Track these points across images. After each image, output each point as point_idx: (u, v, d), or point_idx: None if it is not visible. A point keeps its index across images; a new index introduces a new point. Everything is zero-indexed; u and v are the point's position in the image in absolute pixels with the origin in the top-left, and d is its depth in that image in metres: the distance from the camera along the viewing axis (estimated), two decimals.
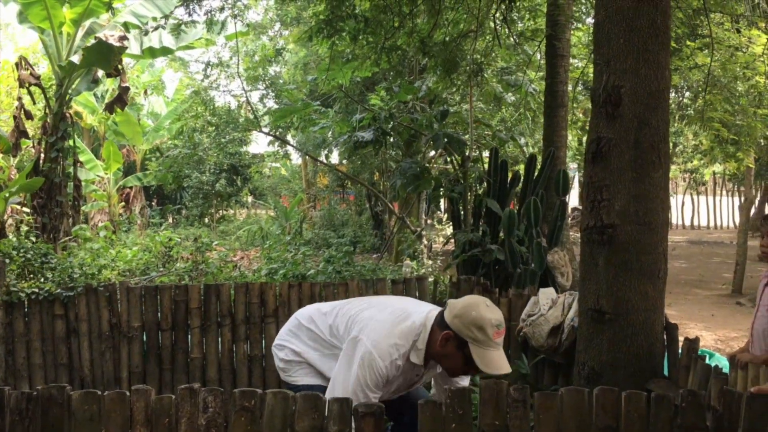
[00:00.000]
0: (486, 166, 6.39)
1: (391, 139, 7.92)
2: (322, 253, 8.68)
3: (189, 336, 4.50)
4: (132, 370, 4.53)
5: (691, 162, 21.38)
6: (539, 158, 6.60)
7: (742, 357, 2.89)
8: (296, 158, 20.60)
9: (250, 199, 21.04)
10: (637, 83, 2.98)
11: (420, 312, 2.52)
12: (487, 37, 7.71)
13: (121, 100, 10.72)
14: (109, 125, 16.00)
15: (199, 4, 7.01)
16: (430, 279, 5.05)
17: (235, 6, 8.24)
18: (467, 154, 6.65)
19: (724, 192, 24.36)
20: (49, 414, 2.08)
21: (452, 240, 6.77)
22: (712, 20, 6.47)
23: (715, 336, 7.10)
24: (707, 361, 3.93)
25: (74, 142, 10.35)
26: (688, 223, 22.68)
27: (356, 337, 2.43)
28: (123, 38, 9.07)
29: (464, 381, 2.74)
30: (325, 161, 15.39)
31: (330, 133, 12.06)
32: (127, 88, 10.85)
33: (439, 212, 16.79)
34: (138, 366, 4.52)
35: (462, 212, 6.49)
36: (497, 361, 2.36)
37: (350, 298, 3.26)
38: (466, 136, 7.59)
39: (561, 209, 5.77)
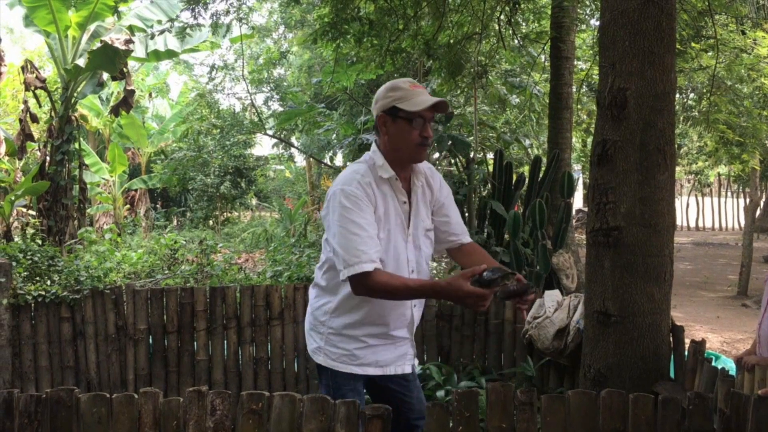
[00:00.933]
0: (490, 168, 6.39)
1: None
2: None
3: (195, 338, 4.51)
4: (138, 373, 4.54)
5: (696, 163, 21.35)
6: (544, 160, 6.60)
7: (748, 359, 2.89)
8: (300, 160, 20.65)
9: (254, 201, 21.08)
10: (643, 86, 2.98)
11: None
12: (492, 40, 7.72)
13: (126, 103, 10.77)
14: (114, 128, 16.07)
15: (205, 8, 7.03)
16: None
17: (240, 9, 8.26)
18: (472, 156, 6.65)
19: (729, 193, 24.31)
20: (57, 417, 2.09)
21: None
22: (717, 22, 6.46)
23: (720, 338, 7.08)
24: (713, 363, 3.92)
25: (79, 145, 10.40)
26: (693, 224, 22.64)
27: (326, 200, 2.40)
28: (128, 41, 9.11)
29: (464, 236, 2.60)
30: (329, 163, 15.42)
31: (334, 135, 12.08)
32: (133, 91, 10.90)
33: None
34: (144, 368, 4.54)
35: (467, 214, 6.50)
36: (427, 99, 2.31)
37: None
38: (471, 138, 7.60)
39: (566, 211, 5.77)
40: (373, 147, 2.44)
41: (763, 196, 18.89)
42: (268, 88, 17.21)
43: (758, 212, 16.67)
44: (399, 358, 2.50)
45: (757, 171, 11.04)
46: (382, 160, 2.38)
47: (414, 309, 2.50)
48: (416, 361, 2.62)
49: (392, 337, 2.46)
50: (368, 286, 2.21)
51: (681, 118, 10.54)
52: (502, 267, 2.02)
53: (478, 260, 2.46)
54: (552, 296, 4.10)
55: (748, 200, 11.78)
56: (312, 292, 2.57)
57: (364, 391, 2.57)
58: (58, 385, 4.54)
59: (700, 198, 23.44)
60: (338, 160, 16.68)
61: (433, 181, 2.56)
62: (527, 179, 6.12)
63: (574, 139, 11.99)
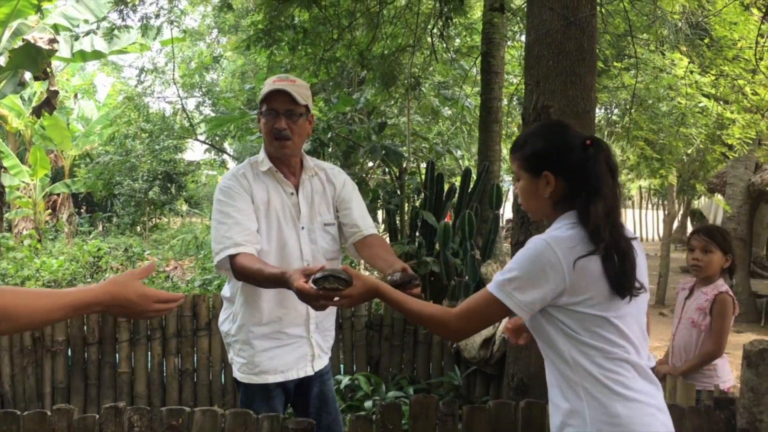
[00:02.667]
0: (423, 178, 6.47)
1: (329, 150, 7.93)
2: None
3: (117, 350, 4.37)
4: (56, 386, 4.36)
5: (619, 177, 22.14)
6: (474, 172, 6.73)
7: (660, 368, 3.02)
8: (233, 166, 20.35)
9: (184, 207, 20.61)
10: (565, 104, 3.10)
11: None
12: (425, 52, 7.83)
13: (49, 103, 10.38)
14: (37, 129, 15.43)
15: (134, 9, 6.86)
16: None
17: (172, 12, 8.10)
18: (404, 166, 6.71)
19: (649, 206, 25.39)
20: None
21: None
22: (638, 42, 6.76)
23: None
24: None
25: None
26: None
27: None
28: (53, 41, 8.79)
29: (368, 228, 2.54)
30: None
31: None
32: (56, 92, 10.51)
33: (376, 223, 16.86)
34: (62, 381, 4.36)
35: (399, 224, 6.55)
36: (266, 91, 2.35)
37: None
38: (404, 149, 7.67)
39: (494, 223, 5.90)
40: (261, 146, 2.50)
41: (680, 210, 19.82)
42: (200, 92, 16.90)
43: (675, 224, 17.48)
44: (299, 360, 2.41)
45: (674, 186, 11.57)
46: (263, 155, 2.43)
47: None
48: (323, 363, 2.49)
49: (287, 335, 2.40)
50: (232, 270, 2.24)
51: (605, 133, 10.95)
52: (336, 270, 1.85)
53: (379, 253, 2.43)
54: None
55: (666, 213, 12.34)
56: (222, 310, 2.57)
57: (282, 403, 2.45)
58: None
59: (622, 210, 24.35)
60: None
61: (335, 179, 2.56)
62: (458, 190, 6.22)
63: (504, 151, 12.28)
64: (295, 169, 2.46)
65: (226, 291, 2.50)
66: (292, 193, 2.42)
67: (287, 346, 2.40)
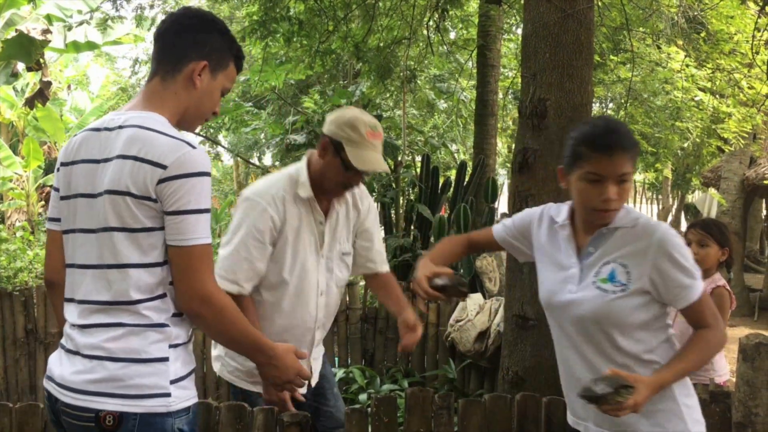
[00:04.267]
0: (418, 171, 6.46)
1: None
2: None
3: None
4: None
5: None
6: (470, 165, 6.72)
7: None
8: (228, 159, 20.29)
9: None
10: (562, 97, 3.08)
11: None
12: (421, 45, 7.80)
13: (42, 95, 10.31)
14: (29, 121, 15.32)
15: (127, 0, 6.81)
16: (361, 284, 5.07)
17: (166, 2, 8.05)
18: (400, 159, 6.71)
19: (644, 200, 25.47)
20: None
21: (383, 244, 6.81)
22: (634, 36, 6.75)
23: None
24: None
25: None
26: None
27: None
28: (46, 31, 8.71)
29: (382, 265, 2.57)
30: (257, 163, 15.22)
31: (262, 134, 11.93)
32: (49, 83, 10.43)
33: None
34: None
35: (394, 217, 6.55)
36: (372, 161, 2.24)
37: None
38: (399, 142, 7.67)
39: (489, 216, 5.89)
40: (304, 159, 2.36)
41: (675, 203, 19.86)
42: None
43: (670, 218, 17.52)
44: None
45: (669, 179, 11.60)
46: (306, 178, 2.29)
47: (317, 331, 2.38)
48: (317, 375, 2.46)
49: None
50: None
51: None
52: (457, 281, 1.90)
53: (392, 294, 2.51)
54: (474, 300, 4.17)
55: (660, 207, 12.36)
56: None
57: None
58: None
59: None
60: (266, 160, 16.48)
61: (361, 204, 2.50)
62: (453, 183, 6.21)
63: (499, 145, 12.29)
64: (329, 196, 2.38)
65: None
66: (321, 222, 2.35)
67: None
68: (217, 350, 2.40)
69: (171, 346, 1.55)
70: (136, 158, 1.50)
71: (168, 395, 1.51)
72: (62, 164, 1.66)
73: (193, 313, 1.56)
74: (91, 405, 1.48)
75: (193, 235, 1.50)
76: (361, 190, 2.49)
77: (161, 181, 1.48)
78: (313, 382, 2.43)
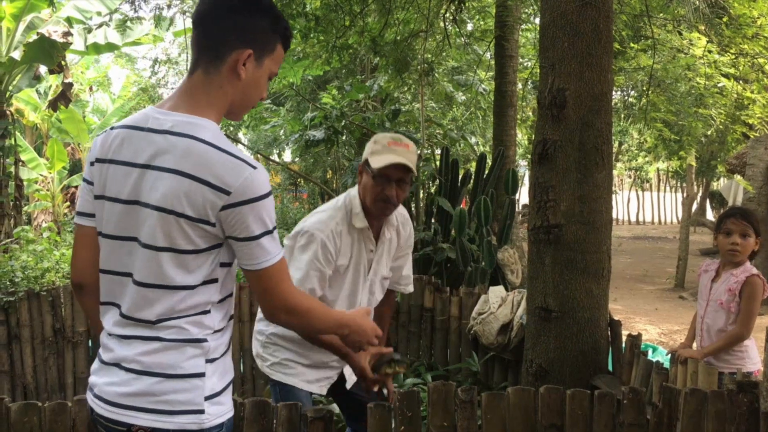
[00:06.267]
0: (438, 164, 6.44)
1: (344, 138, 7.91)
2: None
3: None
4: (77, 376, 4.41)
5: (636, 160, 21.96)
6: (489, 157, 6.69)
7: (682, 352, 2.99)
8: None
9: None
10: (581, 86, 3.05)
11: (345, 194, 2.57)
12: (438, 37, 7.76)
13: (64, 96, 10.43)
14: (53, 123, 15.52)
15: (145, 1, 6.86)
16: None
17: (184, 2, 8.09)
18: (419, 152, 6.68)
19: (667, 188, 25.14)
20: None
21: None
22: (654, 22, 6.65)
23: (658, 329, 7.32)
24: (650, 354, 4.03)
25: (15, 141, 10.02)
26: (633, 218, 23.31)
27: (293, 234, 2.43)
28: (67, 34, 8.81)
29: (407, 287, 2.76)
30: (277, 159, 15.28)
31: (282, 131, 11.97)
32: (71, 85, 10.56)
33: None
34: (83, 372, 4.41)
35: (414, 211, 6.54)
36: (390, 158, 2.33)
37: None
38: (418, 135, 7.64)
39: (510, 208, 5.86)
40: (354, 191, 2.48)
41: (699, 191, 19.59)
42: None
43: (694, 207, 17.29)
44: (325, 379, 2.52)
45: (693, 167, 11.44)
46: (359, 209, 2.42)
47: None
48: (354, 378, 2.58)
49: (321, 362, 2.47)
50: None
51: (622, 115, 10.83)
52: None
53: (383, 312, 2.71)
54: (496, 292, 4.16)
55: (685, 195, 12.20)
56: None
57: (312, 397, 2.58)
58: None
59: (640, 193, 24.16)
60: (286, 156, 16.54)
61: (403, 230, 2.63)
62: (473, 176, 6.18)
63: (519, 136, 12.20)
64: (380, 224, 2.51)
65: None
66: (371, 251, 2.49)
67: (320, 369, 2.48)
68: (255, 349, 2.53)
69: (208, 361, 1.51)
70: (194, 178, 1.42)
71: (201, 412, 1.47)
72: (98, 159, 1.55)
73: (282, 324, 1.60)
74: (124, 419, 1.46)
75: (266, 257, 1.48)
76: (403, 216, 2.62)
77: (225, 207, 1.42)
78: (348, 385, 2.58)
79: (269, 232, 1.48)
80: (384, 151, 2.34)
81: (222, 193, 1.41)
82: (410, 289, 2.77)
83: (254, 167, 1.44)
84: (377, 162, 2.32)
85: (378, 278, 2.55)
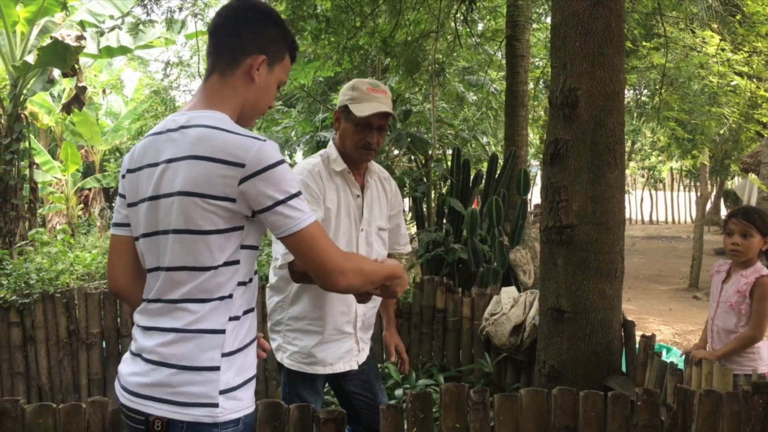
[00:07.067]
0: (449, 165, 6.43)
1: None
2: None
3: None
4: (92, 378, 4.44)
5: (649, 159, 21.82)
6: (501, 157, 6.67)
7: (696, 353, 2.96)
8: (302, 160, 20.51)
9: None
10: (593, 86, 3.03)
11: None
12: (449, 37, 7.75)
13: (78, 100, 10.51)
14: (67, 125, 15.66)
15: (157, 4, 6.91)
16: None
17: (195, 5, 8.13)
18: (430, 153, 6.68)
19: (681, 187, 24.97)
20: (2, 428, 2.03)
21: (416, 239, 6.80)
22: (667, 20, 6.61)
23: (672, 330, 7.27)
24: (664, 355, 3.99)
25: (30, 144, 10.11)
26: (646, 218, 23.17)
27: None
28: (80, 37, 8.88)
29: (406, 247, 2.77)
30: (288, 161, 15.31)
31: (293, 132, 11.99)
32: (85, 88, 10.64)
33: (403, 211, 16.82)
34: (98, 373, 4.44)
35: (425, 211, 6.53)
36: (371, 107, 2.34)
37: None
38: (429, 136, 7.64)
39: (522, 208, 5.84)
40: (330, 141, 2.51)
41: (713, 191, 19.44)
42: None
43: (708, 206, 17.16)
44: (345, 354, 2.50)
45: (707, 166, 11.35)
46: (336, 154, 2.44)
47: (359, 307, 2.50)
48: (365, 356, 2.61)
49: (336, 331, 2.46)
50: (292, 273, 2.28)
51: (634, 114, 10.77)
52: None
53: (385, 309, 2.84)
54: (508, 293, 4.14)
55: (698, 194, 12.11)
56: (267, 292, 2.57)
57: (324, 390, 2.62)
58: (7, 392, 4.41)
59: (653, 192, 24.01)
60: (298, 157, 16.56)
61: (387, 184, 2.62)
62: (485, 176, 6.17)
63: (531, 135, 12.16)
64: (362, 170, 2.51)
65: (274, 280, 2.52)
66: (358, 196, 2.48)
67: (335, 342, 2.46)
68: (276, 342, 2.52)
69: (224, 355, 1.52)
70: (209, 159, 1.47)
71: (215, 406, 1.48)
72: (128, 171, 1.64)
73: (341, 289, 1.57)
74: (142, 408, 1.50)
75: (296, 221, 1.49)
76: (383, 171, 2.63)
77: (243, 180, 1.46)
78: (354, 365, 2.53)
79: (293, 196, 1.50)
80: (365, 98, 2.35)
81: (238, 167, 1.46)
82: (408, 248, 2.77)
83: (263, 141, 1.50)
84: (360, 110, 2.33)
85: (373, 229, 2.52)
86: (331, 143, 2.49)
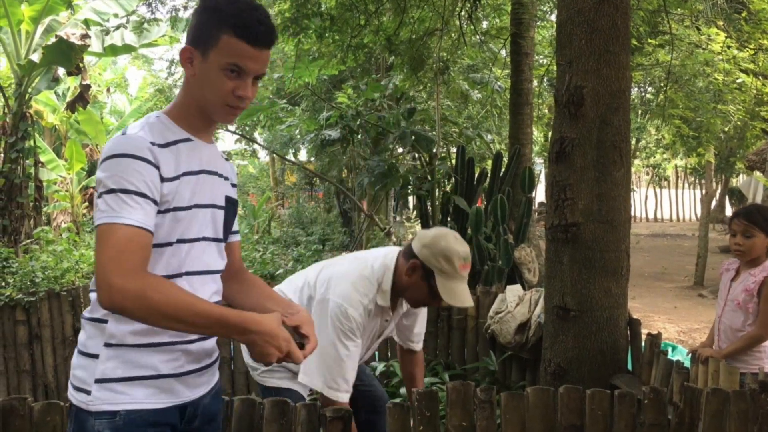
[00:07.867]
0: (453, 163, 6.42)
1: (359, 137, 7.92)
2: (290, 252, 8.64)
3: None
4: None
5: (654, 157, 21.76)
6: (505, 155, 6.66)
7: (702, 352, 2.95)
8: (264, 156, 20.47)
9: None
10: (599, 84, 3.02)
11: (377, 257, 2.49)
12: (453, 35, 7.75)
13: (82, 98, 10.52)
14: (72, 124, 15.69)
15: (162, 2, 6.91)
16: None
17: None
18: (435, 151, 6.67)
19: (686, 185, 24.90)
20: (10, 426, 2.04)
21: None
22: (672, 18, 6.59)
23: (678, 328, 7.26)
24: (670, 353, 3.99)
25: (35, 142, 10.13)
26: (651, 216, 23.11)
27: (323, 298, 2.38)
28: (85, 36, 8.89)
29: (418, 345, 2.83)
30: (293, 159, 15.33)
31: (297, 131, 12.01)
32: (89, 86, 10.65)
33: (407, 209, 16.83)
34: None
35: (430, 209, 6.52)
36: (461, 294, 2.33)
37: (301, 271, 2.94)
38: (434, 134, 7.62)
39: (527, 206, 5.83)
40: (390, 269, 2.42)
41: (718, 188, 19.38)
42: None
43: (713, 204, 17.11)
44: None
45: (712, 164, 11.32)
46: (388, 287, 2.41)
47: None
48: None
49: None
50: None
51: (639, 112, 10.74)
52: None
53: (417, 375, 2.85)
54: (513, 291, 4.14)
55: (703, 192, 12.08)
56: None
57: None
58: (14, 390, 4.43)
59: (658, 190, 23.95)
60: (302, 156, 16.59)
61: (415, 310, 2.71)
62: (489, 174, 6.16)
63: (536, 133, 12.15)
64: (398, 298, 2.53)
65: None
66: (386, 320, 2.55)
67: None
68: (246, 358, 2.63)
69: (106, 345, 1.49)
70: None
71: (88, 392, 1.48)
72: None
73: (107, 308, 1.42)
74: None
75: (102, 214, 1.43)
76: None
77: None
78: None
79: (105, 193, 1.42)
80: (455, 278, 2.36)
81: None
82: (420, 346, 2.82)
83: (118, 134, 1.50)
84: (448, 294, 2.34)
85: (381, 338, 2.63)
86: (390, 271, 2.41)
